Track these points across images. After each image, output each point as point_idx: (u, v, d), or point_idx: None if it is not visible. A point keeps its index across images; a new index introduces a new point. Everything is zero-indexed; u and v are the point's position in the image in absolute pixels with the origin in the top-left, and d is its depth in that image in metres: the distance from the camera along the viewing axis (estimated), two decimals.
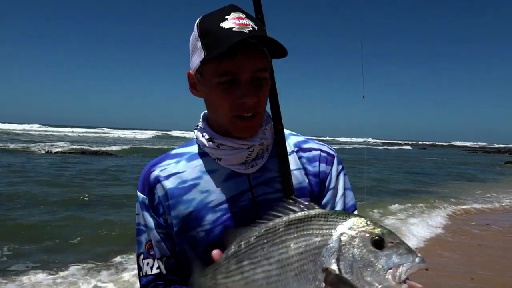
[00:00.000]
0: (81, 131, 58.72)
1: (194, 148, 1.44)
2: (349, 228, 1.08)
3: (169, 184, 1.38)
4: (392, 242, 1.06)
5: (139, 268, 1.42)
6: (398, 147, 71.99)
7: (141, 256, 1.42)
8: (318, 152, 1.47)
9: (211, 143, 1.37)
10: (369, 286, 1.01)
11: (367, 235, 1.07)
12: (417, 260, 1.04)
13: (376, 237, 1.06)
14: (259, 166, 1.37)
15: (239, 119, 1.30)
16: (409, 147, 74.44)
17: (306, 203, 1.15)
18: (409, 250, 1.06)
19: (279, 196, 1.37)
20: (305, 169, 1.44)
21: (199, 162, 1.40)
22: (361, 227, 1.08)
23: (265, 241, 1.12)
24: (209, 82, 1.30)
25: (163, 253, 1.39)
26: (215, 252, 1.21)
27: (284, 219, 1.13)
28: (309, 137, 1.54)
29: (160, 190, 1.38)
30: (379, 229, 1.09)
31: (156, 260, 1.39)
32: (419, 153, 51.99)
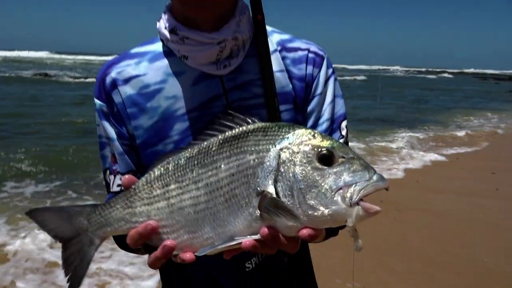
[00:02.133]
0: (99, 59, 57.69)
1: (157, 46, 1.23)
2: (291, 142, 0.91)
3: (128, 89, 1.19)
4: (344, 157, 0.89)
5: (107, 185, 1.28)
6: (436, 76, 68.75)
7: (107, 172, 1.27)
8: (305, 52, 1.27)
9: (174, 35, 1.16)
10: (313, 211, 0.85)
11: (313, 149, 0.89)
12: (374, 178, 0.87)
13: (324, 151, 0.89)
14: (234, 67, 1.18)
15: None
16: (449, 75, 71.46)
17: (245, 117, 0.98)
18: (365, 166, 0.88)
19: (259, 102, 1.20)
20: (289, 71, 1.25)
21: (163, 62, 1.20)
22: (305, 141, 0.91)
23: (195, 162, 0.95)
24: None
25: (128, 168, 1.24)
26: (127, 178, 1.03)
27: (219, 137, 0.96)
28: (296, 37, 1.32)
29: (118, 97, 1.19)
30: (329, 142, 0.91)
31: (117, 176, 1.24)
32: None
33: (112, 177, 1.25)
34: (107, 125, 1.22)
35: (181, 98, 1.18)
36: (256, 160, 0.90)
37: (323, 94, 1.27)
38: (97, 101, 1.22)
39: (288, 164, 0.88)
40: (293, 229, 0.87)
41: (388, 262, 4.23)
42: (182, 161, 0.97)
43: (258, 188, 0.88)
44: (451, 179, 7.41)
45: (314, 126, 1.25)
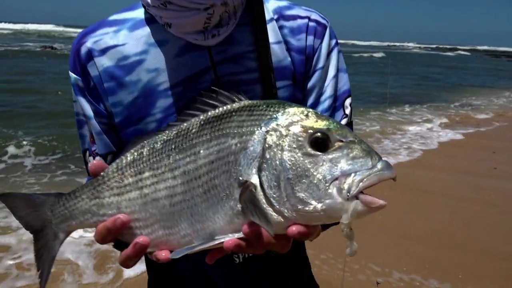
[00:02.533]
0: None
1: (139, 13, 1.09)
2: (279, 123, 0.77)
3: (105, 61, 1.06)
4: (341, 141, 0.76)
5: (86, 167, 1.16)
6: (453, 53, 66.84)
7: (87, 153, 1.16)
8: (305, 20, 1.13)
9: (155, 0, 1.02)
10: (303, 206, 0.72)
11: (304, 131, 0.76)
12: (378, 166, 0.73)
13: (318, 134, 0.76)
14: (224, 36, 1.05)
15: None
16: (465, 52, 69.82)
17: (230, 94, 0.86)
18: (368, 152, 0.75)
19: (253, 77, 1.07)
20: (287, 43, 1.11)
21: (144, 31, 1.07)
22: (296, 121, 0.77)
23: (173, 146, 0.83)
24: None
25: (107, 149, 1.12)
26: (95, 163, 0.91)
27: (201, 117, 0.84)
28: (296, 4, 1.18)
29: (94, 69, 1.07)
30: (324, 122, 0.77)
31: (97, 158, 1.13)
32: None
33: (91, 158, 1.14)
34: (83, 101, 1.10)
35: (164, 71, 1.05)
36: (238, 145, 0.78)
37: (325, 68, 1.14)
38: (72, 75, 1.10)
39: (275, 150, 0.75)
40: (280, 225, 0.75)
41: (383, 242, 4.15)
42: (159, 145, 0.85)
43: (240, 178, 0.76)
44: (454, 158, 7.32)
45: (315, 104, 1.13)
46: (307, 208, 0.72)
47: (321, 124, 0.77)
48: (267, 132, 0.77)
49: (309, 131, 0.76)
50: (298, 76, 1.11)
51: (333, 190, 0.72)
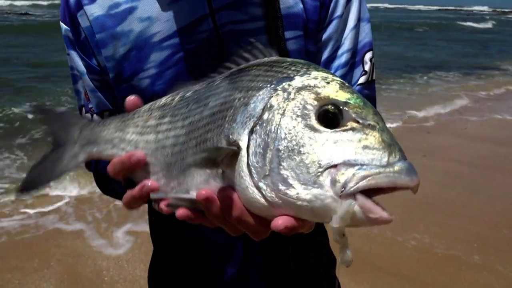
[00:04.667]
0: None
1: None
2: (292, 84, 0.64)
3: (96, 9, 0.97)
4: (357, 122, 0.59)
5: None
6: None
7: (83, 110, 1.09)
8: None
9: None
10: (285, 187, 0.58)
11: (315, 99, 0.61)
12: (396, 166, 0.56)
13: (329, 106, 0.60)
14: None
15: None
16: None
17: (263, 48, 0.73)
18: (387, 145, 0.58)
19: (258, 26, 0.95)
20: None
21: None
22: (312, 86, 0.62)
23: (196, 96, 0.76)
24: None
25: (103, 106, 1.05)
26: (132, 99, 0.84)
27: (230, 70, 0.75)
28: None
29: (84, 19, 0.98)
30: (346, 95, 0.61)
31: (94, 116, 1.06)
32: None
33: (88, 115, 1.07)
34: (75, 55, 1.03)
35: (158, 20, 0.95)
36: (241, 100, 0.66)
37: (344, 16, 1.00)
38: (62, 26, 1.03)
39: (275, 112, 0.62)
40: (255, 203, 0.62)
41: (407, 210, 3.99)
42: (189, 94, 0.78)
43: (230, 136, 0.65)
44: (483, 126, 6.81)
45: (330, 59, 1.01)
46: (288, 192, 0.57)
47: (341, 95, 0.61)
48: (275, 90, 0.64)
49: (322, 100, 0.61)
50: (311, 25, 0.98)
51: (326, 178, 0.56)
